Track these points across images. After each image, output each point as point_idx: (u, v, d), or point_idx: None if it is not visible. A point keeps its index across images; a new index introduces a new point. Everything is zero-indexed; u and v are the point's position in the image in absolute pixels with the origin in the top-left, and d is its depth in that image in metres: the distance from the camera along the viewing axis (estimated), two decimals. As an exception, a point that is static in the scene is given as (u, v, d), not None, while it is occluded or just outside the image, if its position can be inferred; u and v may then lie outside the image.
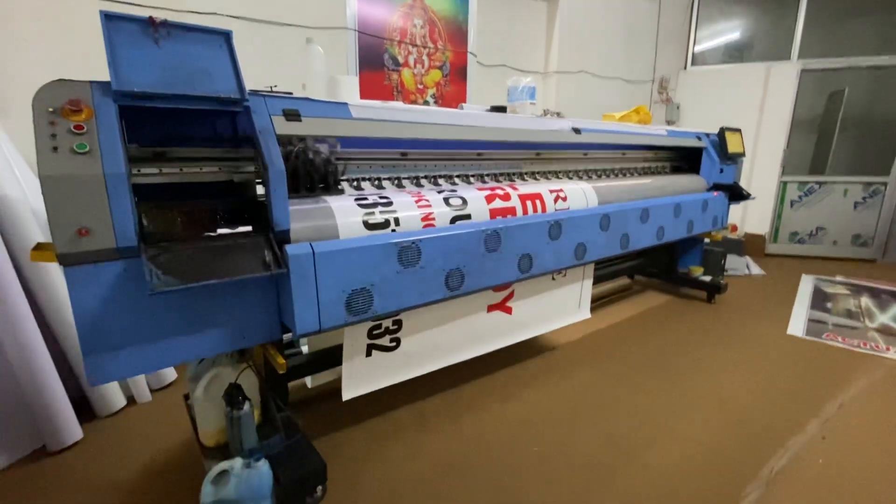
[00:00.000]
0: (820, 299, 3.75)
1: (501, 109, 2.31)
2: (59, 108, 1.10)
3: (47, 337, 1.86)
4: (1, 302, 1.71)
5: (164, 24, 1.28)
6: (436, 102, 3.57)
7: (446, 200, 1.79)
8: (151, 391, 2.26)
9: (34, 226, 1.87)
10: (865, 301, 3.71)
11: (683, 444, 1.91)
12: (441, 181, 2.08)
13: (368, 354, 1.75)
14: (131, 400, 2.19)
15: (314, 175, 1.64)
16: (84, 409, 2.03)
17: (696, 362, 2.63)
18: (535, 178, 2.44)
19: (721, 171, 3.42)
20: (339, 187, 1.74)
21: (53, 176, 1.04)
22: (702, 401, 2.23)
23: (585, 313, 2.60)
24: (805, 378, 2.48)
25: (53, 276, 1.91)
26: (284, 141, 1.54)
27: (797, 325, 3.21)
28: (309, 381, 2.05)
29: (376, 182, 1.90)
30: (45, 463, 1.81)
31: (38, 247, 1.26)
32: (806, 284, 4.14)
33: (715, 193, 3.25)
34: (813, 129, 5.24)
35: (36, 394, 1.80)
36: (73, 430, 1.90)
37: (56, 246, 1.06)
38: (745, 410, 2.16)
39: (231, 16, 2.54)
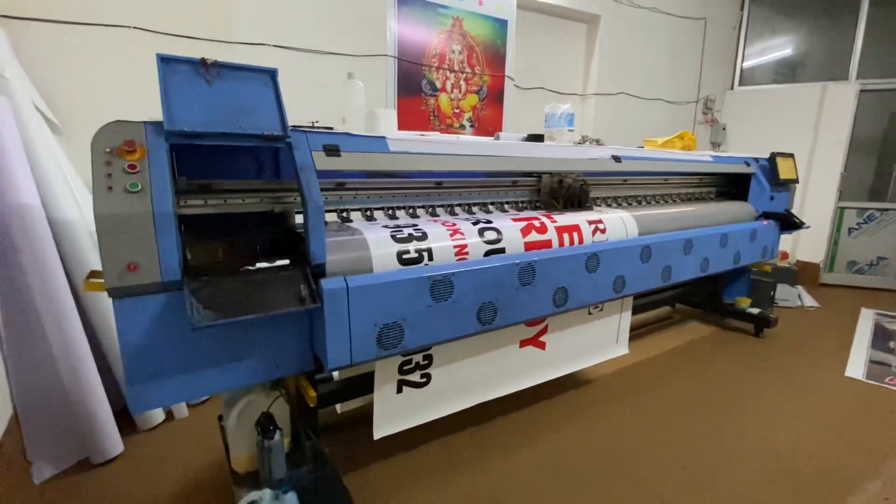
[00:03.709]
0: (882, 338, 3.46)
1: (538, 138, 2.28)
2: (115, 149, 1.16)
3: (94, 349, 1.95)
4: (56, 318, 1.81)
5: (215, 64, 1.34)
6: (472, 126, 3.58)
7: (481, 233, 1.77)
8: (188, 406, 2.33)
9: (90, 245, 1.98)
10: (936, 341, 3.40)
11: (728, 498, 1.78)
12: (475, 209, 2.07)
13: (399, 391, 1.74)
14: (170, 415, 2.26)
15: (573, 196, 2.12)
16: (126, 422, 2.11)
17: (744, 404, 2.47)
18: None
19: (772, 198, 3.25)
20: (588, 205, 2.20)
21: (107, 215, 1.09)
22: (750, 448, 2.08)
23: (623, 348, 2.50)
24: (866, 428, 2.28)
25: (103, 293, 2.00)
26: (556, 173, 2.15)
27: (857, 366, 2.97)
28: (339, 406, 2.05)
29: (411, 211, 1.91)
30: (89, 475, 1.88)
31: (91, 275, 1.32)
32: (866, 320, 3.84)
33: (765, 222, 3.08)
34: (873, 152, 4.91)
35: (83, 407, 1.88)
36: (115, 443, 1.97)
37: (106, 280, 1.11)
38: (800, 463, 2.00)
39: (277, 45, 2.65)
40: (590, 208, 2.21)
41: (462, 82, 3.44)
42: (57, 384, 1.85)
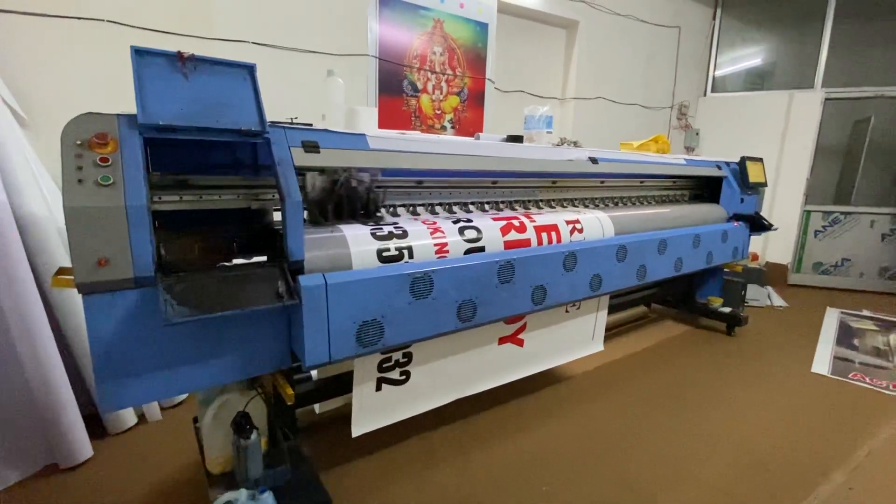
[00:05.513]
0: (846, 335, 3.61)
1: (517, 139, 2.31)
2: (86, 141, 1.13)
3: (62, 351, 1.89)
4: (23, 318, 1.75)
5: (192, 58, 1.32)
6: (453, 128, 3.60)
7: (461, 231, 1.78)
8: (162, 409, 2.28)
9: (58, 243, 1.92)
10: (894, 339, 3.56)
11: (701, 490, 1.83)
12: (456, 209, 2.08)
13: (378, 388, 1.73)
14: (142, 418, 2.21)
15: (356, 203, 1.66)
16: (95, 425, 2.04)
17: (715, 399, 2.54)
18: (551, 206, 2.42)
19: (742, 200, 3.36)
20: (378, 214, 1.74)
21: (77, 208, 1.06)
22: (721, 442, 2.15)
23: (599, 346, 2.54)
24: (830, 421, 2.37)
25: (72, 292, 1.94)
26: (331, 171, 1.58)
27: (822, 362, 3.09)
28: (317, 406, 2.03)
29: (391, 209, 1.91)
30: (56, 480, 1.82)
31: (60, 272, 1.29)
32: (831, 318, 4.00)
33: (735, 223, 3.19)
34: (837, 157, 5.13)
35: (50, 411, 1.82)
36: (84, 447, 1.91)
37: (76, 275, 1.08)
38: (768, 454, 2.07)
39: (256, 43, 2.62)
40: (380, 219, 1.71)
41: (443, 84, 3.46)
42: (22, 386, 1.79)
